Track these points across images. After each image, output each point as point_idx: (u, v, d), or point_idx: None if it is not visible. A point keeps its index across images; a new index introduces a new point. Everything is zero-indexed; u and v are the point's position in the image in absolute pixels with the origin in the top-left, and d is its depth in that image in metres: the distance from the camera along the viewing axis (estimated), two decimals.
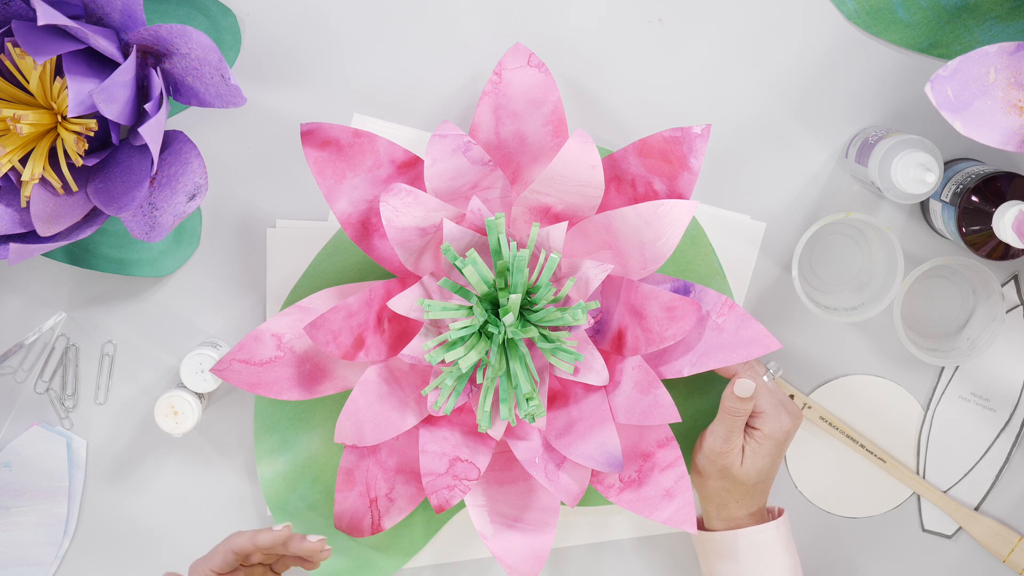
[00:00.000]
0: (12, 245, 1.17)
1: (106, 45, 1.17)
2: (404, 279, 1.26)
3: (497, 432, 1.25)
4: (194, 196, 1.18)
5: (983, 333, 1.30)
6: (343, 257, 1.30)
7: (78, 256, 1.29)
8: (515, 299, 1.21)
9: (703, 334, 1.23)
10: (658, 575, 1.35)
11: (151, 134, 1.15)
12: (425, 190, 1.24)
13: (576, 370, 1.25)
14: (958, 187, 1.24)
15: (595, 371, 1.24)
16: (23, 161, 1.22)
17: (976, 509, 1.36)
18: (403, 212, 1.21)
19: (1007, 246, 1.24)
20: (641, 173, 1.25)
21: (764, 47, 1.31)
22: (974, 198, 1.23)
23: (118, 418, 1.32)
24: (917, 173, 1.21)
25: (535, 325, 1.23)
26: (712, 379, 1.32)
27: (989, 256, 1.25)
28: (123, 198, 1.19)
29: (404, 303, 1.23)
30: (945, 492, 1.36)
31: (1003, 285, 1.33)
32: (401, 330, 1.26)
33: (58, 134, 1.21)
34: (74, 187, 1.22)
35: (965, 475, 1.35)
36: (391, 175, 1.24)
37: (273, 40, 1.30)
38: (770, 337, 1.21)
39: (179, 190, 1.19)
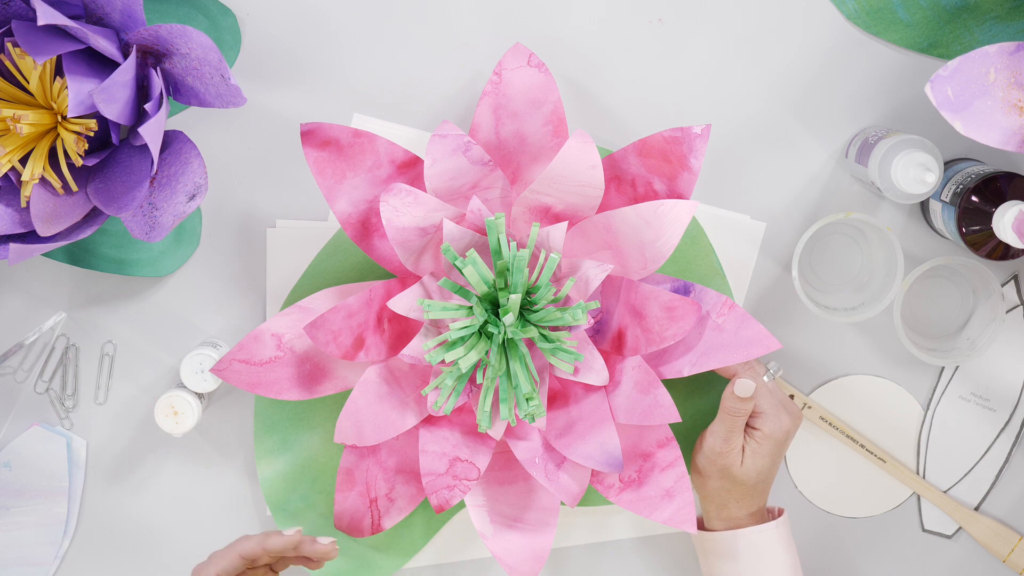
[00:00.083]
0: (12, 245, 1.17)
1: (106, 45, 1.17)
2: (404, 279, 1.26)
3: (497, 432, 1.25)
4: (194, 196, 1.18)
5: (983, 333, 1.29)
6: (343, 257, 1.30)
7: (78, 256, 1.29)
8: (515, 299, 1.20)
9: (703, 334, 1.23)
10: (658, 575, 1.35)
11: (151, 134, 1.15)
12: (425, 190, 1.24)
13: (576, 370, 1.25)
14: (958, 187, 1.24)
15: (595, 371, 1.24)
16: (23, 161, 1.22)
17: (976, 509, 1.36)
18: (403, 212, 1.20)
19: (1007, 246, 1.24)
20: (641, 173, 1.25)
21: (764, 47, 1.31)
22: (974, 198, 1.23)
23: (118, 418, 1.32)
24: (917, 173, 1.21)
25: (535, 325, 1.23)
26: (712, 379, 1.32)
27: (989, 256, 1.25)
28: (123, 198, 1.19)
29: (404, 303, 1.23)
30: (945, 492, 1.35)
31: (1003, 285, 1.33)
32: (401, 330, 1.26)
33: (58, 134, 1.21)
34: (74, 187, 1.22)
35: (965, 475, 1.35)
36: (391, 175, 1.24)
37: (273, 40, 1.30)
38: (770, 337, 1.21)
39: (179, 190, 1.18)
